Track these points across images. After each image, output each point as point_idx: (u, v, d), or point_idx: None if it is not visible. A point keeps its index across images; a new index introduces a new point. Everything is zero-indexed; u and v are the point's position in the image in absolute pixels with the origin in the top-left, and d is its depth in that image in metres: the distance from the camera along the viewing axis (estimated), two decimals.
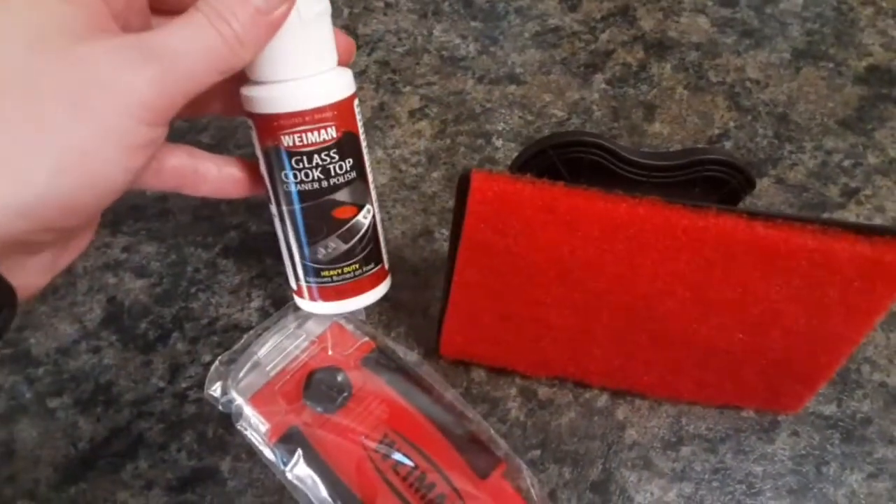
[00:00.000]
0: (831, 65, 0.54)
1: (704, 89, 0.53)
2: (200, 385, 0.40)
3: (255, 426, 0.37)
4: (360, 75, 0.44)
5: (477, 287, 0.35)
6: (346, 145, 0.36)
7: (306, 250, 0.38)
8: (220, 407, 0.38)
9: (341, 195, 0.37)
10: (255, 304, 0.43)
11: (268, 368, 0.38)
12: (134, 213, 0.46)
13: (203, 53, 0.29)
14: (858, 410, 0.41)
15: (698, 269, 0.32)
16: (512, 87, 0.52)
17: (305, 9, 0.32)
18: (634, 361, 0.38)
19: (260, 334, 0.40)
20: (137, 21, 0.33)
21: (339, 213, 0.37)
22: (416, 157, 0.49)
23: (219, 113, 0.38)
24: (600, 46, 0.54)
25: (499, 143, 0.50)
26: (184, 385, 0.41)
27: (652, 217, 0.30)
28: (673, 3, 0.57)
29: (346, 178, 0.37)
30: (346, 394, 0.37)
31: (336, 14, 0.34)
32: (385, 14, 0.55)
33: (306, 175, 0.36)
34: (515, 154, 0.37)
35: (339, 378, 0.38)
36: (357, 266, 0.39)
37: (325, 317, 0.40)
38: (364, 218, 0.38)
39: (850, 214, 0.48)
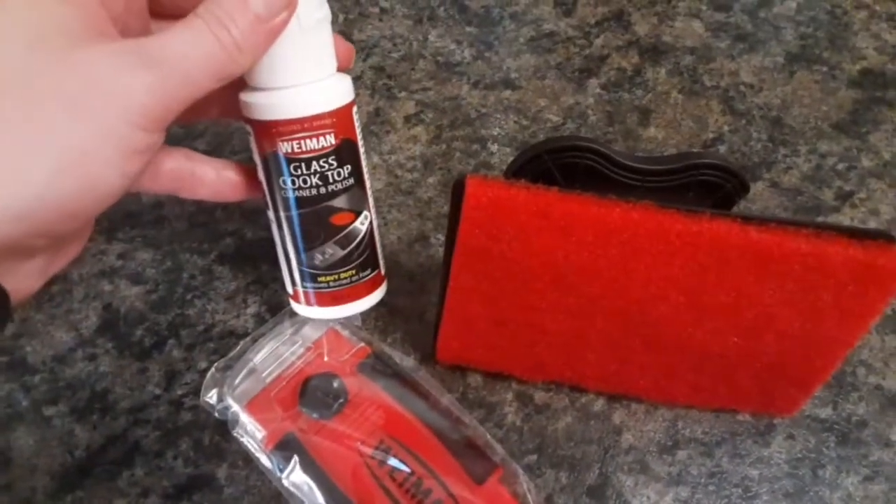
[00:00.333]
0: (825, 68, 0.55)
1: (699, 93, 0.53)
2: (196, 392, 0.40)
3: (252, 433, 0.37)
4: (355, 81, 0.44)
5: (472, 292, 0.35)
6: (345, 152, 0.36)
7: (303, 256, 0.38)
8: (217, 414, 0.38)
9: (339, 202, 0.37)
10: (251, 310, 0.43)
11: (264, 375, 0.38)
12: (129, 220, 0.46)
13: (202, 60, 0.29)
14: (854, 413, 0.41)
15: (692, 274, 0.32)
16: (507, 93, 0.52)
17: (305, 16, 0.32)
18: (630, 366, 0.38)
19: (256, 341, 0.40)
20: (136, 25, 0.33)
21: (336, 219, 0.37)
22: (411, 162, 0.49)
23: (216, 117, 0.39)
24: (595, 51, 0.55)
25: (494, 148, 0.50)
26: (180, 392, 0.41)
27: (645, 222, 0.30)
28: (667, 8, 0.57)
29: (344, 185, 0.37)
30: (342, 400, 0.37)
31: (331, 20, 0.34)
32: (380, 20, 0.55)
33: (304, 181, 0.36)
34: (511, 159, 0.37)
35: (335, 384, 0.38)
36: (354, 272, 0.39)
37: (320, 322, 0.40)
38: (361, 224, 0.38)
39: (845, 218, 0.48)
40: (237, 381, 0.38)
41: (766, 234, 0.30)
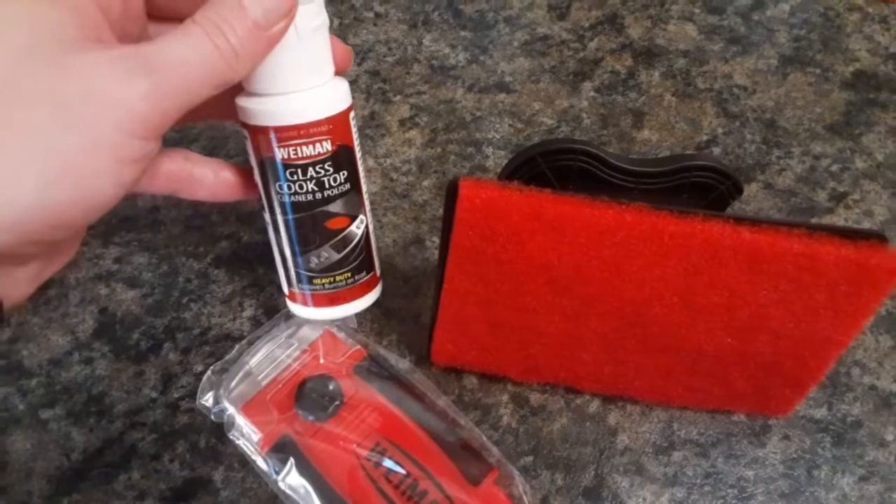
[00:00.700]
0: (818, 70, 0.55)
1: (692, 96, 0.53)
2: (193, 395, 0.40)
3: (248, 435, 0.37)
4: (350, 85, 0.44)
5: (467, 294, 0.36)
6: (341, 158, 0.36)
7: (299, 259, 0.38)
8: (213, 417, 0.38)
9: (335, 206, 0.37)
10: (247, 313, 0.43)
11: (259, 378, 0.38)
12: (125, 224, 0.46)
13: (199, 67, 0.28)
14: (849, 413, 0.41)
15: (686, 275, 0.32)
16: (502, 96, 0.52)
17: (303, 23, 0.32)
18: (625, 367, 0.38)
19: (252, 343, 0.40)
20: (134, 29, 0.33)
21: (332, 223, 0.37)
22: (406, 165, 0.49)
23: (212, 119, 0.39)
24: (589, 55, 0.55)
25: (489, 151, 0.50)
26: (176, 395, 0.41)
27: (638, 223, 0.31)
28: (660, 11, 0.57)
29: (340, 190, 0.37)
30: (337, 402, 0.37)
31: (328, 25, 0.34)
32: (375, 24, 0.56)
33: (300, 187, 0.36)
34: (506, 162, 0.38)
35: (331, 386, 0.38)
36: (349, 275, 0.39)
37: (316, 325, 0.40)
38: (357, 228, 0.38)
39: (839, 219, 0.48)
40: (233, 383, 0.38)
41: (759, 235, 0.30)
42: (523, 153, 0.35)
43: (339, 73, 0.36)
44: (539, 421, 0.40)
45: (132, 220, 0.46)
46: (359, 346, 0.40)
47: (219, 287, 0.44)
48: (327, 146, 0.36)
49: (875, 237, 0.30)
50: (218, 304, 0.43)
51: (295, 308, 0.40)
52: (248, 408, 0.37)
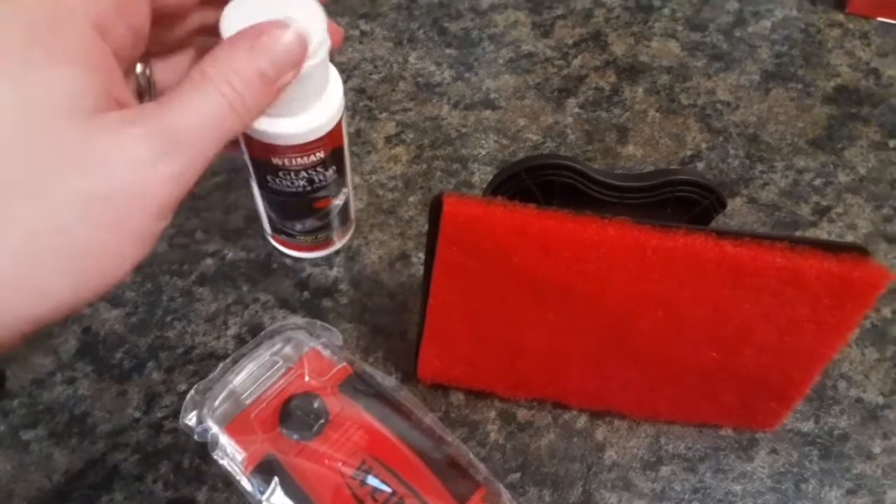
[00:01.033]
0: (800, 86, 0.55)
1: (676, 112, 0.53)
2: (176, 415, 0.39)
3: (232, 455, 0.36)
4: None
5: (452, 310, 0.36)
6: (331, 158, 0.38)
7: (285, 223, 0.42)
8: (196, 436, 0.38)
9: (322, 193, 0.39)
10: (232, 331, 0.43)
11: (243, 396, 0.38)
12: None
13: (216, 128, 0.27)
14: (836, 426, 0.41)
15: (669, 289, 0.32)
16: (487, 112, 0.53)
17: (308, 63, 0.32)
18: (611, 381, 0.38)
19: (236, 362, 0.40)
20: (135, 55, 0.31)
21: (318, 204, 0.40)
22: (392, 182, 0.49)
23: None
24: (573, 71, 0.55)
25: (475, 167, 0.50)
26: (159, 415, 0.40)
27: (621, 237, 0.31)
28: (644, 28, 0.58)
29: (329, 181, 0.39)
30: (322, 420, 0.37)
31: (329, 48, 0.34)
32: (361, 42, 0.56)
33: (291, 183, 0.38)
34: (491, 178, 0.38)
35: (316, 404, 0.37)
36: (329, 232, 0.43)
37: (301, 343, 0.40)
38: (339, 201, 0.41)
39: (822, 232, 0.48)
40: (217, 402, 0.38)
41: (741, 249, 0.30)
42: (508, 169, 0.35)
43: (334, 46, 0.35)
44: (526, 437, 0.40)
45: None
46: (344, 364, 0.40)
47: (203, 305, 0.44)
48: (320, 155, 0.37)
49: (856, 250, 0.30)
50: (202, 322, 0.43)
51: (277, 245, 0.45)
52: (232, 427, 0.37)
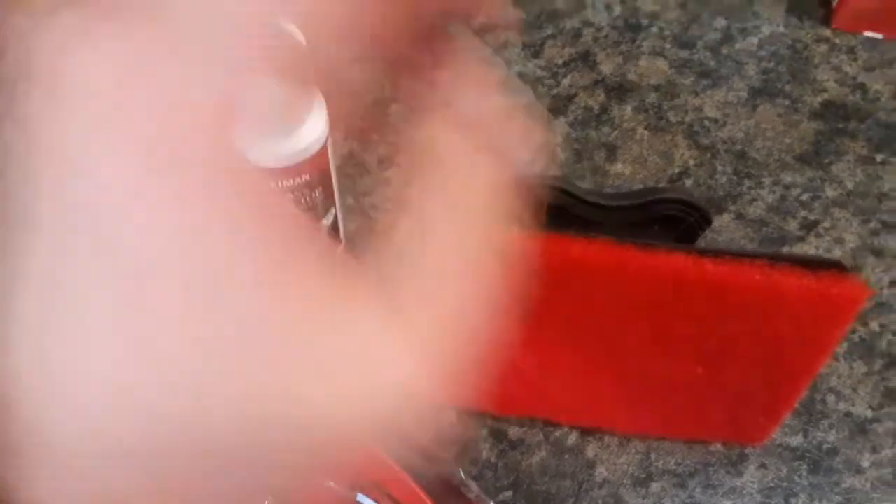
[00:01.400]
0: (787, 102, 0.56)
1: (664, 129, 0.54)
2: None
3: None
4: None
5: None
6: (317, 180, 0.38)
7: None
8: None
9: (310, 214, 0.40)
10: None
11: None
12: None
13: None
14: (825, 441, 0.41)
15: (653, 307, 0.33)
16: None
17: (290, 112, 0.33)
18: (600, 399, 0.38)
19: None
20: None
21: None
22: (386, 204, 0.50)
23: None
24: (562, 91, 0.56)
25: None
26: None
27: (603, 256, 0.31)
28: (632, 47, 0.59)
29: (314, 202, 0.39)
30: None
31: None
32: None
33: None
34: None
35: None
36: None
37: None
38: (326, 220, 0.41)
39: (810, 247, 0.49)
40: None
41: (722, 267, 0.31)
42: None
43: None
44: (518, 455, 0.40)
45: None
46: None
47: None
48: (306, 177, 0.37)
49: (835, 267, 0.31)
50: None
51: None
52: None
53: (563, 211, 0.36)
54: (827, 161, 0.53)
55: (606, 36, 0.59)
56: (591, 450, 0.41)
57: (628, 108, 0.55)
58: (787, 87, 0.57)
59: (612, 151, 0.53)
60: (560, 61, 0.57)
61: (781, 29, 0.60)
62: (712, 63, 0.58)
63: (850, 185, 0.52)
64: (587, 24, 0.60)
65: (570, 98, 0.55)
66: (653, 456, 0.41)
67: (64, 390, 0.15)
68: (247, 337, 0.17)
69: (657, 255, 0.31)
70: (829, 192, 0.51)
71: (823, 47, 0.59)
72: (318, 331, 0.17)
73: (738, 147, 0.53)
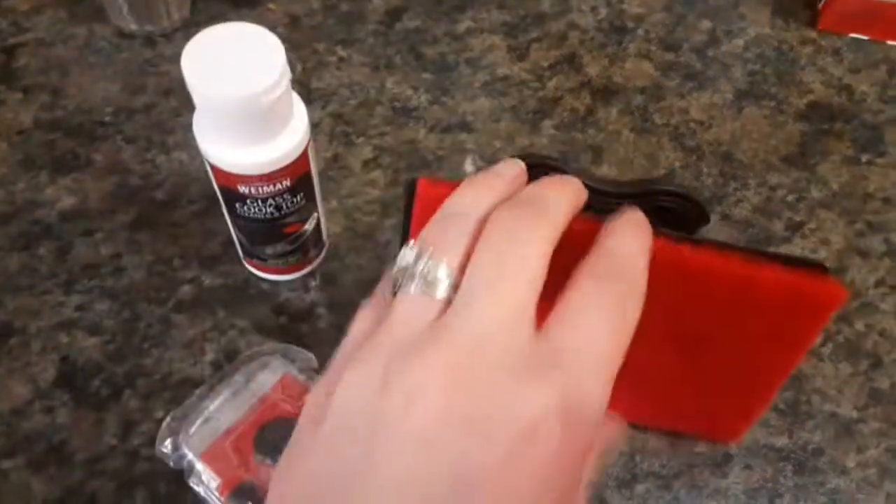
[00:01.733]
0: (773, 103, 0.56)
1: (650, 131, 0.54)
2: (152, 442, 0.39)
3: (207, 482, 0.37)
4: (313, 128, 0.45)
5: None
6: (299, 185, 0.38)
7: (256, 248, 0.42)
8: (171, 463, 0.38)
9: (291, 219, 0.40)
10: (209, 357, 0.43)
11: (219, 423, 0.38)
12: (88, 271, 0.46)
13: None
14: (810, 441, 0.41)
15: None
16: (463, 135, 0.53)
17: (267, 97, 0.33)
18: None
19: (212, 388, 0.40)
20: None
21: (288, 229, 0.41)
22: (369, 206, 0.50)
23: None
24: (548, 93, 0.56)
25: None
26: (136, 442, 0.40)
27: (576, 233, 0.30)
28: (618, 50, 0.59)
29: (297, 207, 0.39)
30: None
31: (290, 77, 0.35)
32: (338, 68, 0.57)
33: (259, 210, 0.38)
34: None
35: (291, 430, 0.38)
36: (300, 256, 0.44)
37: (276, 369, 0.40)
38: (309, 225, 0.42)
39: (796, 248, 0.49)
40: (192, 429, 0.38)
41: (699, 255, 0.30)
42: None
43: None
44: None
45: (94, 268, 0.46)
46: None
47: (180, 332, 0.44)
48: (287, 183, 0.37)
49: (817, 267, 0.31)
50: (179, 348, 0.43)
51: (251, 269, 0.46)
52: (208, 454, 0.37)
53: None
54: (812, 162, 0.53)
55: (592, 38, 0.59)
56: None
57: (614, 111, 0.55)
58: (773, 89, 0.57)
59: (598, 154, 0.53)
60: (546, 64, 0.58)
61: (767, 31, 0.60)
62: (698, 65, 0.58)
63: (835, 186, 0.52)
64: (573, 26, 0.60)
65: (556, 100, 0.55)
66: (637, 458, 0.40)
67: None
68: None
69: None
70: (815, 193, 0.52)
71: (809, 49, 0.60)
72: None
73: (724, 149, 0.53)
